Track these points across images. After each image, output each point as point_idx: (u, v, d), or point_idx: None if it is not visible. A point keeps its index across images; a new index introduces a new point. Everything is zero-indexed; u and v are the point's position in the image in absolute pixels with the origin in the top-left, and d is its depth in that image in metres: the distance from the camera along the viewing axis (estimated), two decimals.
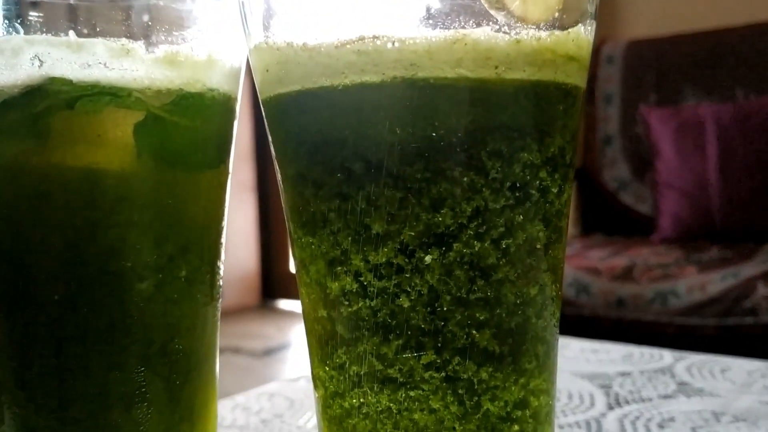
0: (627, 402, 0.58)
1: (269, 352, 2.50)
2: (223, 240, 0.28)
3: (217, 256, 0.28)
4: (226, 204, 0.28)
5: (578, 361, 0.71)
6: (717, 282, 1.63)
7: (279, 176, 0.24)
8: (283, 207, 0.25)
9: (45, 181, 0.23)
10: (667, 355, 0.71)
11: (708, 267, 1.70)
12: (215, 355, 0.28)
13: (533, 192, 0.22)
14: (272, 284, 3.34)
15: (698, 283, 1.63)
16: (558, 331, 0.25)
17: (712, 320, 1.60)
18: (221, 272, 0.28)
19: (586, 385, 0.62)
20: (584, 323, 1.69)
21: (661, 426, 0.53)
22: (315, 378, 0.25)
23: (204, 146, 0.26)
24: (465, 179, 0.21)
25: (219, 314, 0.29)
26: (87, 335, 0.24)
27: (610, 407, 0.56)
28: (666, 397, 0.59)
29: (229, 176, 0.28)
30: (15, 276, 0.24)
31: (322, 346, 0.24)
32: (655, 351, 0.73)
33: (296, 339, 2.70)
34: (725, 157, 1.99)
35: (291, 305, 3.22)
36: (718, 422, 0.53)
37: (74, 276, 0.24)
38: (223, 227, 0.28)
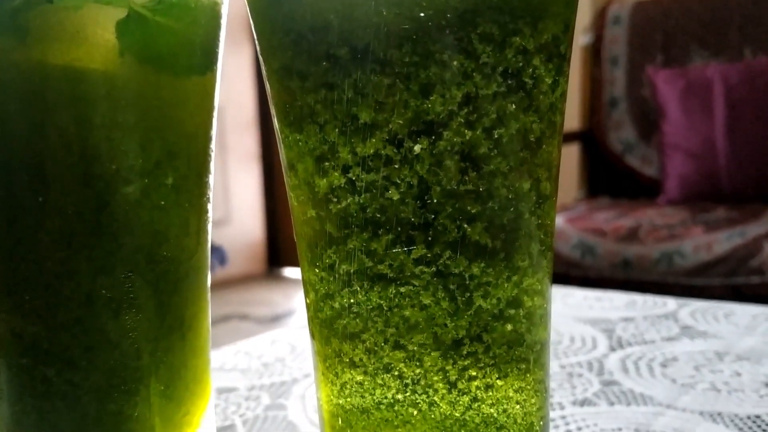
0: (629, 344, 0.58)
1: (276, 319, 2.52)
2: (212, 151, 0.28)
3: (205, 165, 0.27)
4: (215, 114, 0.27)
5: (581, 308, 0.71)
6: (723, 242, 1.62)
7: (264, 72, 0.24)
8: (271, 107, 0.24)
9: (27, 78, 0.23)
10: (670, 302, 0.70)
11: (714, 227, 1.69)
12: (206, 269, 0.28)
13: (526, 80, 0.21)
14: (278, 252, 3.36)
15: (704, 243, 1.63)
16: (554, 234, 0.24)
17: (717, 280, 1.60)
18: (210, 185, 0.28)
19: (588, 330, 0.62)
20: (590, 284, 1.69)
21: (663, 365, 0.53)
22: (305, 283, 0.25)
23: (189, 51, 0.26)
24: (455, 63, 0.20)
25: (209, 232, 0.28)
26: (73, 239, 0.24)
27: (613, 349, 0.56)
28: (669, 339, 0.58)
29: (217, 86, 0.27)
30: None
31: (311, 249, 0.24)
32: (659, 298, 0.72)
33: (301, 306, 2.72)
34: (732, 118, 1.96)
35: (297, 273, 3.23)
36: (722, 361, 0.52)
37: (58, 178, 0.23)
38: (211, 137, 0.27)
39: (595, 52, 2.21)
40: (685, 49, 2.13)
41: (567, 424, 0.42)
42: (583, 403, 0.45)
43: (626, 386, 0.48)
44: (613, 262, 1.69)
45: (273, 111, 0.24)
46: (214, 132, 0.28)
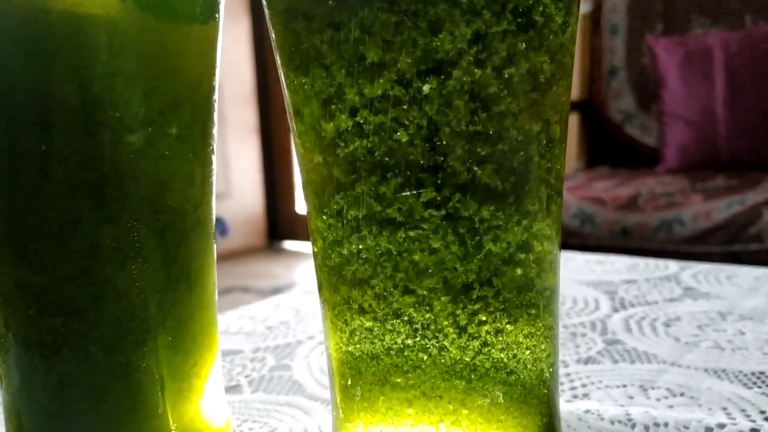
0: (632, 305, 0.58)
1: (277, 291, 2.53)
2: (215, 101, 0.27)
3: (209, 116, 0.27)
4: (218, 64, 0.27)
5: (583, 272, 0.71)
6: (722, 209, 1.62)
7: (268, 16, 0.23)
8: (275, 52, 0.24)
9: (27, 25, 0.22)
10: (672, 265, 0.70)
11: (713, 195, 1.69)
12: (211, 222, 0.27)
13: (536, 18, 0.21)
14: (278, 226, 3.36)
15: (703, 211, 1.63)
16: (563, 180, 0.24)
17: (717, 247, 1.60)
18: (215, 137, 0.27)
19: (590, 291, 0.62)
20: (590, 252, 1.69)
21: (666, 325, 0.53)
22: (313, 232, 0.25)
23: None
24: (464, 0, 0.20)
25: (214, 185, 0.28)
26: (77, 188, 0.23)
27: (615, 310, 0.56)
28: (672, 300, 0.58)
29: (219, 35, 0.27)
30: (0, 127, 0.23)
31: (318, 195, 0.24)
32: (661, 261, 0.72)
33: (302, 278, 2.73)
34: (732, 86, 1.95)
35: (297, 246, 3.25)
36: (725, 321, 0.53)
37: (61, 126, 0.23)
38: (214, 87, 0.27)
39: (594, 20, 2.19)
40: (686, 17, 2.12)
41: (572, 381, 0.42)
42: (587, 361, 0.45)
43: (630, 345, 0.48)
44: (613, 230, 1.69)
45: (277, 56, 0.24)
46: (216, 83, 0.27)
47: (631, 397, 0.40)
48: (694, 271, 0.66)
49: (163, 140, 0.25)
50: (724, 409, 0.38)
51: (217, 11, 0.27)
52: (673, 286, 0.62)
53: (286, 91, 0.24)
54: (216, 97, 0.27)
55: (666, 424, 0.35)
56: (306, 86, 0.22)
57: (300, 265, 2.91)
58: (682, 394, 0.40)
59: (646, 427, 0.35)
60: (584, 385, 0.42)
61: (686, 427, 0.35)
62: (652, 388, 0.41)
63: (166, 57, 0.24)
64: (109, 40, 0.23)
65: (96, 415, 0.25)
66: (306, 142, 0.23)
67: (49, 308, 0.24)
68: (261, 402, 0.41)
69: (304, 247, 3.16)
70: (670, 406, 0.39)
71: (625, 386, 0.42)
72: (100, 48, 0.23)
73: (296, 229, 3.27)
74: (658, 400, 0.40)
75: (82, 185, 0.23)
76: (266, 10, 0.23)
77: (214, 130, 0.27)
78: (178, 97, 0.25)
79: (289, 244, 3.31)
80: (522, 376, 0.23)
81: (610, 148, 2.21)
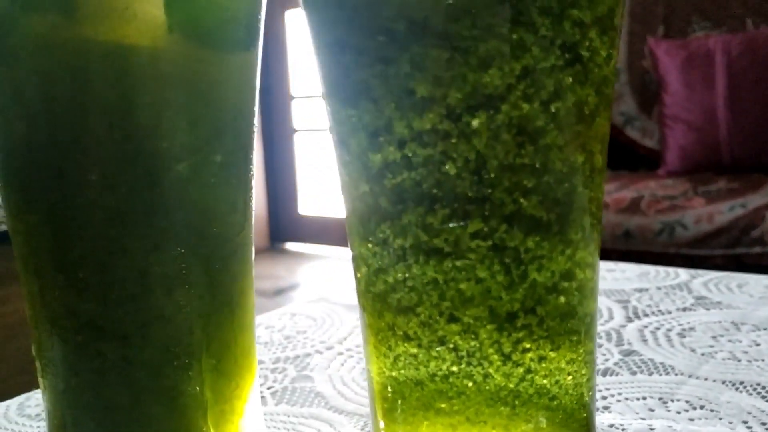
0: (646, 314, 0.58)
1: (280, 292, 2.53)
2: (254, 128, 0.28)
3: (250, 142, 0.27)
4: (257, 91, 0.27)
5: None
6: (725, 212, 1.62)
7: (314, 47, 0.24)
8: (321, 82, 0.24)
9: (78, 57, 0.23)
10: (682, 273, 0.71)
11: (716, 198, 1.69)
12: (251, 246, 0.28)
13: (583, 53, 0.21)
14: (280, 227, 3.36)
15: (706, 214, 1.63)
16: (602, 206, 0.25)
17: (719, 250, 1.61)
18: (253, 162, 0.28)
19: (603, 300, 0.63)
20: None
21: (681, 335, 0.53)
22: (356, 258, 0.25)
23: (234, 26, 0.25)
24: (514, 36, 0.20)
25: (253, 209, 0.28)
26: (126, 217, 0.24)
27: (629, 319, 0.57)
28: (684, 309, 0.59)
29: (258, 63, 0.27)
30: (51, 157, 0.24)
31: (364, 224, 0.24)
32: (671, 269, 0.73)
33: (305, 279, 2.74)
34: (734, 89, 1.96)
35: (299, 247, 3.25)
36: (739, 331, 0.53)
37: (112, 156, 0.23)
38: (254, 113, 0.27)
39: None
40: (687, 21, 2.12)
41: None
42: (606, 372, 0.45)
43: (646, 356, 0.48)
44: (615, 233, 1.70)
45: (322, 86, 0.24)
46: (257, 109, 0.27)
47: (652, 410, 0.41)
48: (704, 280, 0.67)
49: (209, 168, 0.25)
50: (745, 422, 0.39)
51: (258, 38, 0.27)
52: (685, 295, 0.62)
53: (331, 121, 0.24)
54: (256, 123, 0.28)
55: None
56: (354, 118, 0.23)
57: (302, 267, 2.92)
58: (702, 407, 0.41)
59: None
60: (604, 398, 0.42)
61: None
62: (672, 401, 0.42)
63: (211, 86, 0.25)
64: (157, 71, 0.23)
65: None
66: (352, 171, 0.24)
67: (98, 334, 0.24)
68: (286, 414, 0.42)
69: (307, 248, 3.17)
70: (691, 419, 0.39)
71: (644, 399, 0.42)
72: (148, 79, 0.23)
73: (299, 230, 3.28)
74: (679, 413, 0.40)
75: (130, 214, 0.24)
76: (312, 41, 0.24)
77: (254, 156, 0.28)
78: (222, 125, 0.25)
79: (291, 246, 3.32)
80: (564, 401, 0.24)
81: (611, 151, 2.20)
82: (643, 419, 0.40)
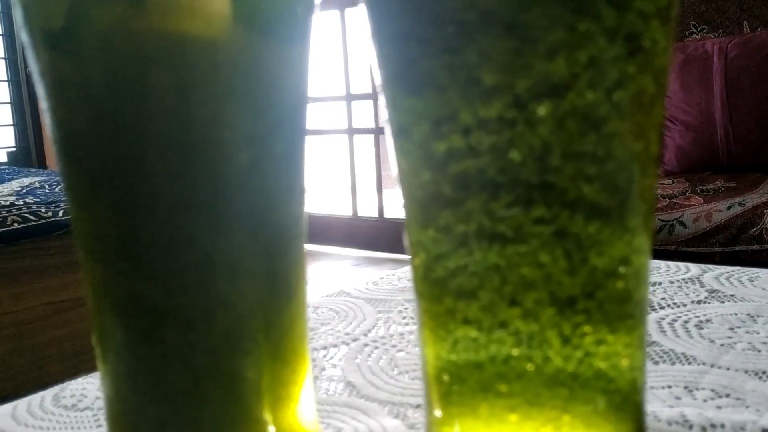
0: (662, 307, 0.59)
1: None
2: (306, 120, 0.28)
3: (304, 133, 0.28)
4: (309, 82, 0.28)
5: None
6: (723, 211, 1.64)
7: (374, 38, 0.24)
8: (381, 73, 0.25)
9: (145, 48, 0.23)
10: (693, 267, 0.72)
11: (714, 197, 1.71)
12: (305, 236, 0.28)
13: (645, 43, 0.22)
14: None
15: (704, 213, 1.65)
16: (656, 193, 0.25)
17: (718, 248, 1.62)
18: (305, 153, 0.28)
19: None
20: None
21: (699, 327, 0.54)
22: (415, 244, 0.26)
23: (293, 18, 0.26)
24: (580, 26, 0.21)
25: (305, 200, 0.29)
26: (191, 205, 0.24)
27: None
28: (699, 302, 0.60)
29: (310, 55, 0.28)
30: (118, 147, 0.24)
31: (424, 211, 0.25)
32: (681, 264, 0.73)
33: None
34: (730, 90, 1.98)
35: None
36: (755, 323, 0.54)
37: (177, 146, 0.24)
38: (307, 105, 0.28)
39: None
40: (684, 24, 2.14)
41: None
42: None
43: (667, 347, 0.49)
44: None
45: (383, 77, 0.25)
46: (307, 102, 0.28)
47: (678, 398, 0.41)
48: (715, 274, 0.68)
49: (270, 157, 0.26)
50: None
51: (311, 31, 0.27)
52: (698, 289, 0.63)
53: (391, 111, 0.25)
54: (306, 119, 0.28)
55: (722, 426, 0.37)
56: (417, 108, 0.23)
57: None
58: (727, 395, 0.41)
59: (704, 429, 0.37)
60: None
61: (742, 429, 0.36)
62: (697, 389, 0.42)
63: (271, 77, 0.25)
64: (221, 62, 0.24)
65: (202, 423, 0.26)
66: (414, 160, 0.24)
67: (162, 320, 0.25)
68: (320, 403, 0.42)
69: (310, 248, 3.16)
70: (719, 407, 0.40)
71: (670, 387, 0.43)
72: (214, 70, 0.24)
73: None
74: (705, 401, 0.41)
75: (195, 202, 0.24)
76: (373, 33, 0.24)
77: (305, 150, 0.28)
78: (282, 116, 0.26)
79: None
80: (620, 385, 0.24)
81: None
82: (671, 407, 0.40)
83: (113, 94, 0.24)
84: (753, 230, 1.57)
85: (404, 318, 0.62)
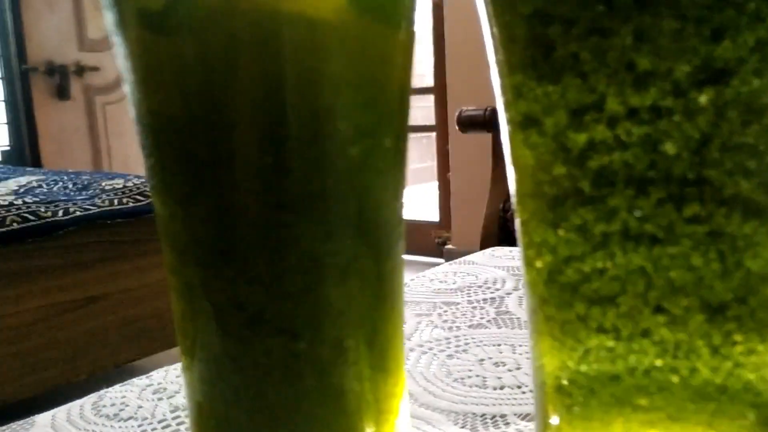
0: None
1: None
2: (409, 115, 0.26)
3: (407, 128, 0.26)
4: (412, 74, 0.26)
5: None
6: None
7: (500, 20, 0.22)
8: (502, 58, 0.23)
9: (253, 29, 0.21)
10: None
11: None
12: (404, 234, 0.26)
13: None
14: None
15: None
16: None
17: None
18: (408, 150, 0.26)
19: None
20: None
21: None
22: (537, 245, 0.24)
23: (402, 1, 0.24)
24: (751, 5, 0.19)
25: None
26: (299, 202, 0.22)
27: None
28: None
29: (415, 42, 0.26)
30: (217, 136, 0.22)
31: (554, 209, 0.23)
32: None
33: None
34: None
35: None
36: None
37: (289, 137, 0.22)
38: (410, 98, 0.26)
39: None
40: None
41: None
42: None
43: None
44: None
45: (505, 63, 0.23)
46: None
47: None
48: None
49: (379, 152, 0.23)
50: None
51: (414, 16, 0.25)
52: None
53: (512, 100, 0.23)
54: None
55: None
56: (552, 95, 0.21)
57: None
58: None
59: None
60: None
61: None
62: None
63: (383, 65, 0.23)
64: (337, 46, 0.22)
65: None
66: (543, 153, 0.22)
67: (266, 328, 0.23)
68: None
69: None
70: None
71: None
72: (328, 54, 0.22)
73: None
74: None
75: (304, 199, 0.22)
76: (497, 12, 0.22)
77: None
78: (391, 108, 0.24)
79: None
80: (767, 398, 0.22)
81: None
82: None
83: (215, 79, 0.22)
84: None
85: (445, 321, 0.60)
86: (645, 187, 0.21)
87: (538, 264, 0.24)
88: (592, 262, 0.22)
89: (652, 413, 0.22)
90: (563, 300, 0.23)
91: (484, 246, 1.98)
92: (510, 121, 0.24)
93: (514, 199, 0.25)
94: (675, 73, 0.20)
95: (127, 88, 0.23)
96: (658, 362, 0.22)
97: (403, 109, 0.25)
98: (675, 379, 0.22)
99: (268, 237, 0.22)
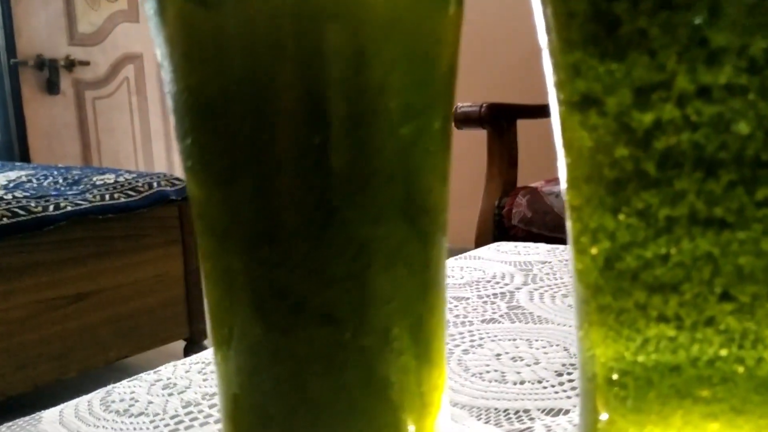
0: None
1: None
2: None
3: (452, 111, 0.25)
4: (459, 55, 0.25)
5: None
6: None
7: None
8: (558, 33, 0.22)
9: (307, 2, 0.20)
10: None
11: None
12: (448, 222, 0.25)
13: None
14: None
15: None
16: None
17: None
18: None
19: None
20: None
21: None
22: (594, 231, 0.23)
23: None
24: None
25: None
26: (347, 184, 0.21)
27: None
28: None
29: (462, 21, 0.25)
30: (262, 115, 0.21)
31: (614, 193, 0.22)
32: None
33: None
34: None
35: None
36: None
37: (339, 115, 0.21)
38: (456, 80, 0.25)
39: None
40: None
41: None
42: None
43: None
44: None
45: (561, 37, 0.22)
46: None
47: None
48: None
49: (428, 133, 0.22)
50: None
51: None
52: None
53: (569, 78, 0.22)
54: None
55: None
56: (616, 73, 0.20)
57: None
58: None
59: None
60: None
61: None
62: None
63: (434, 42, 0.22)
64: (393, 19, 0.21)
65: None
66: (604, 134, 0.21)
67: (309, 317, 0.22)
68: None
69: None
70: None
71: None
72: (384, 27, 0.21)
73: None
74: None
75: (352, 180, 0.21)
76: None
77: None
78: (441, 88, 0.23)
79: None
80: None
81: None
82: None
83: (260, 55, 0.20)
84: None
85: (457, 316, 0.59)
86: (715, 170, 0.20)
87: (593, 251, 0.23)
88: (655, 248, 0.21)
89: (714, 405, 0.21)
90: (621, 288, 0.22)
91: (479, 242, 1.97)
92: (564, 102, 0.23)
93: (563, 185, 0.24)
94: (751, 49, 0.19)
95: (164, 65, 0.22)
96: (723, 352, 0.21)
97: (451, 90, 0.24)
98: (740, 369, 0.21)
99: (313, 220, 0.21)
